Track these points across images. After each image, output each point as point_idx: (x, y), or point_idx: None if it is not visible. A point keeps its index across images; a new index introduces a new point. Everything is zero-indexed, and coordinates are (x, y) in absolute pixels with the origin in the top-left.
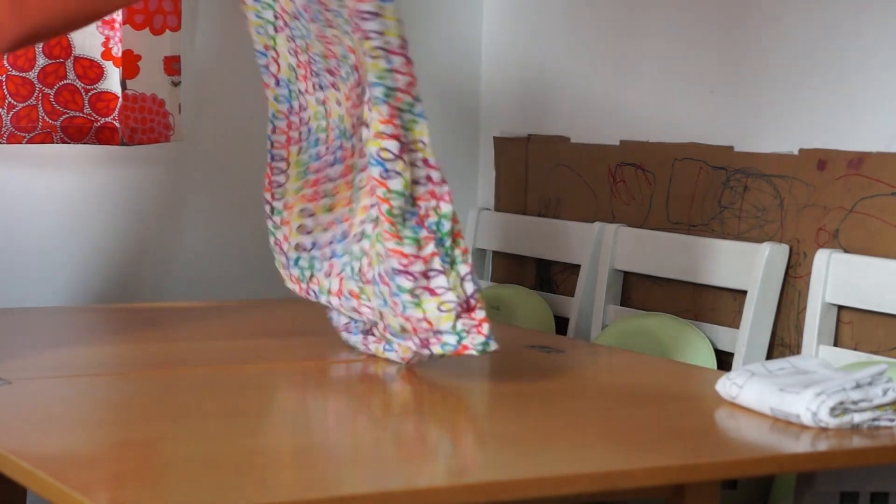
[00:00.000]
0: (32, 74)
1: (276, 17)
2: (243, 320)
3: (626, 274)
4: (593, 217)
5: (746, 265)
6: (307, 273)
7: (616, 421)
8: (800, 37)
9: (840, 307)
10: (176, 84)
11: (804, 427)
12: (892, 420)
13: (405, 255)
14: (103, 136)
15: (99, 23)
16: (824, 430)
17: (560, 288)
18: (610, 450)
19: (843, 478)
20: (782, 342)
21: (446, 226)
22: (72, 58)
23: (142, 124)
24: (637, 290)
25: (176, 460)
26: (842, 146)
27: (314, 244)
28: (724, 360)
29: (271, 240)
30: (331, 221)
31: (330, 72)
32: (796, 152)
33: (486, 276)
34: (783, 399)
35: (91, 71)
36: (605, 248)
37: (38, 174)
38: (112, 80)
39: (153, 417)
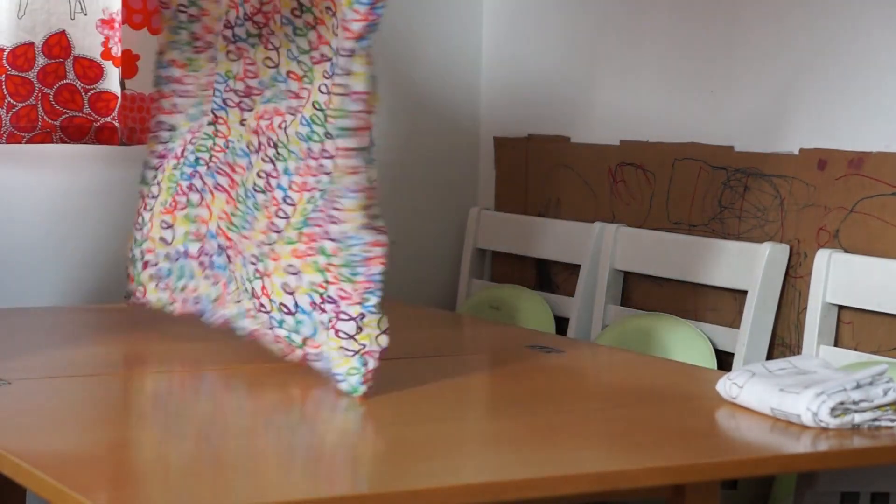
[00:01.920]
0: (32, 74)
1: (194, 38)
2: None
3: (626, 274)
4: (593, 217)
5: (747, 265)
6: (179, 283)
7: (616, 421)
8: (800, 37)
9: (840, 307)
10: None
11: (805, 427)
12: (892, 420)
13: (341, 288)
14: (103, 135)
15: (98, 22)
16: (825, 430)
17: (560, 288)
18: (610, 450)
19: (843, 478)
20: (782, 342)
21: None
22: (71, 58)
23: (140, 124)
24: (637, 290)
25: (175, 460)
26: (842, 146)
27: (181, 253)
28: (724, 360)
29: (137, 251)
30: (198, 232)
31: (237, 92)
32: (796, 152)
33: (486, 276)
34: (783, 399)
35: (91, 71)
36: (605, 248)
37: (38, 174)
38: (112, 80)
39: (153, 417)
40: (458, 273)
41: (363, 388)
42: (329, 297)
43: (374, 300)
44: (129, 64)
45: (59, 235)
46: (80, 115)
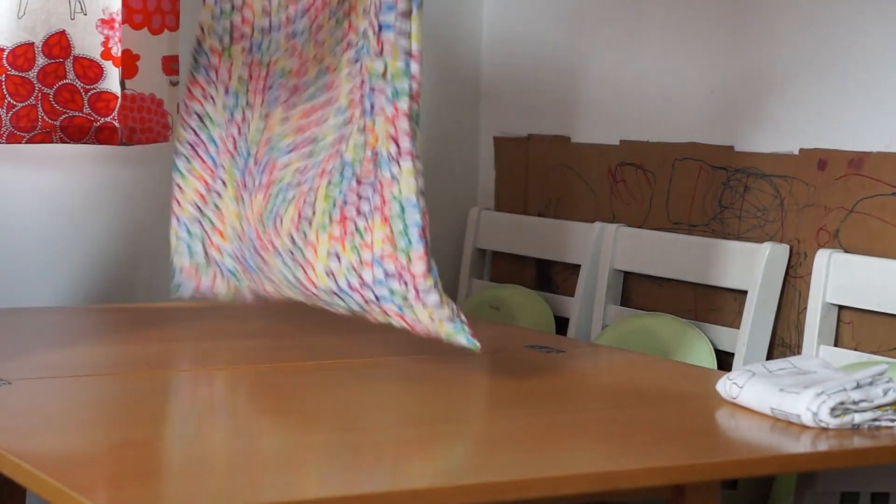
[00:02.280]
0: (32, 74)
1: (231, 28)
2: (241, 321)
3: (626, 274)
4: (593, 217)
5: (747, 265)
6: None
7: (616, 421)
8: (800, 37)
9: (840, 307)
10: (174, 84)
11: (805, 427)
12: (892, 420)
13: (397, 261)
14: (103, 135)
15: (98, 22)
16: (825, 430)
17: (560, 288)
18: (610, 450)
19: (843, 478)
20: (782, 342)
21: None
22: (71, 57)
23: (140, 124)
24: (637, 290)
25: (175, 460)
26: (842, 146)
27: (234, 255)
28: (724, 360)
29: (196, 244)
30: (242, 232)
31: (288, 89)
32: (796, 152)
33: (486, 276)
34: (783, 399)
35: (90, 71)
36: (605, 248)
37: (38, 174)
38: (112, 80)
39: (152, 417)
40: (458, 273)
41: (476, 343)
42: (399, 270)
43: (434, 267)
44: (129, 64)
45: (58, 235)
46: (80, 115)
